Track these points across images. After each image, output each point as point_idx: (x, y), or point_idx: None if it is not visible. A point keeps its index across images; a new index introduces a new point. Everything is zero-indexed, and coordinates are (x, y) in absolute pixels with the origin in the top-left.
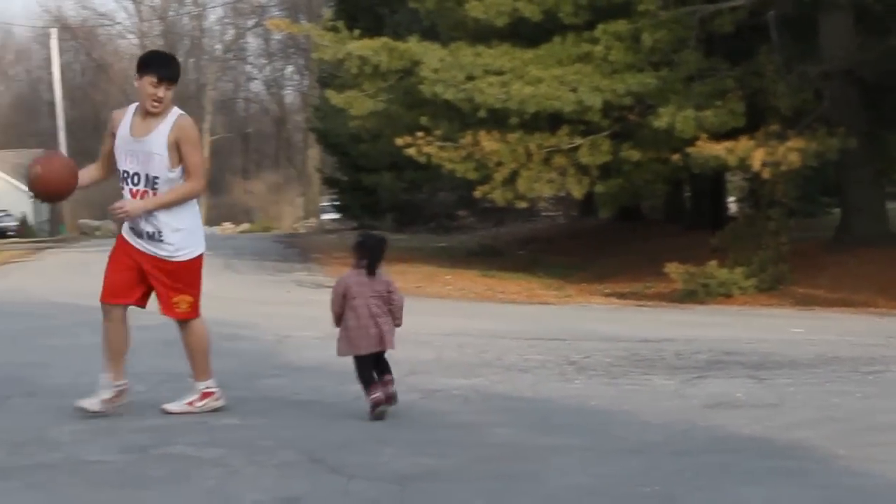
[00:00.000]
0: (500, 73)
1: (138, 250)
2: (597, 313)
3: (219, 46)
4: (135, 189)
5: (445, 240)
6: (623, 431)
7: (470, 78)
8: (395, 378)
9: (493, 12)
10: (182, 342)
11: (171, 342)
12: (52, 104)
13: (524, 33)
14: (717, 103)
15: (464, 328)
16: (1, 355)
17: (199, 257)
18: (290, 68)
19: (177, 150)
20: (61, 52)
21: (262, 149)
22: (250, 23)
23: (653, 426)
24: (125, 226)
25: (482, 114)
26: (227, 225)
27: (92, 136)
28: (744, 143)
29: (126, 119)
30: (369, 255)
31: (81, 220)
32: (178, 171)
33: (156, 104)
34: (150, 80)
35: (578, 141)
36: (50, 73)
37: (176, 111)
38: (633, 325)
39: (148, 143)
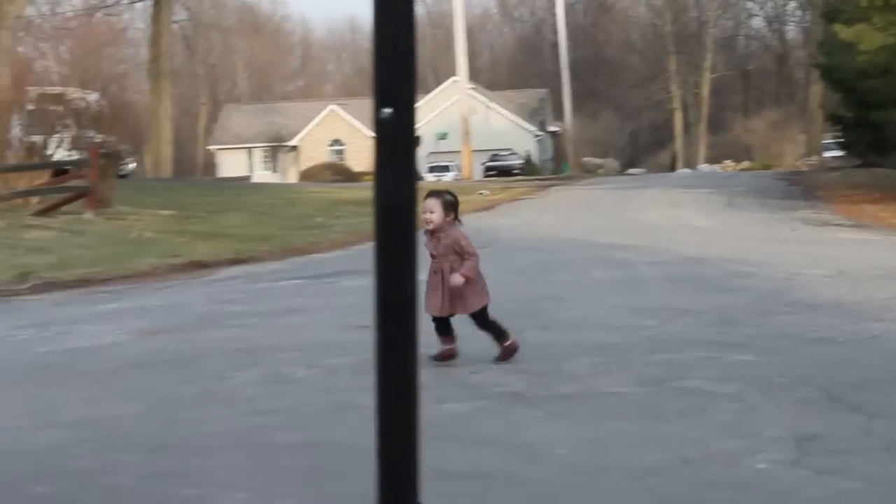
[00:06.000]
0: None
1: None
2: None
3: None
4: None
5: None
6: None
7: None
8: None
9: None
10: None
11: (677, 278)
12: (555, 45)
13: None
14: None
15: None
16: (516, 289)
17: None
18: (792, 3)
19: None
20: None
21: (763, 86)
22: None
23: None
24: None
25: None
26: (728, 163)
27: (593, 75)
28: None
29: None
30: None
31: (584, 158)
32: None
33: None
34: None
35: None
36: (553, 15)
37: None
38: None
39: None
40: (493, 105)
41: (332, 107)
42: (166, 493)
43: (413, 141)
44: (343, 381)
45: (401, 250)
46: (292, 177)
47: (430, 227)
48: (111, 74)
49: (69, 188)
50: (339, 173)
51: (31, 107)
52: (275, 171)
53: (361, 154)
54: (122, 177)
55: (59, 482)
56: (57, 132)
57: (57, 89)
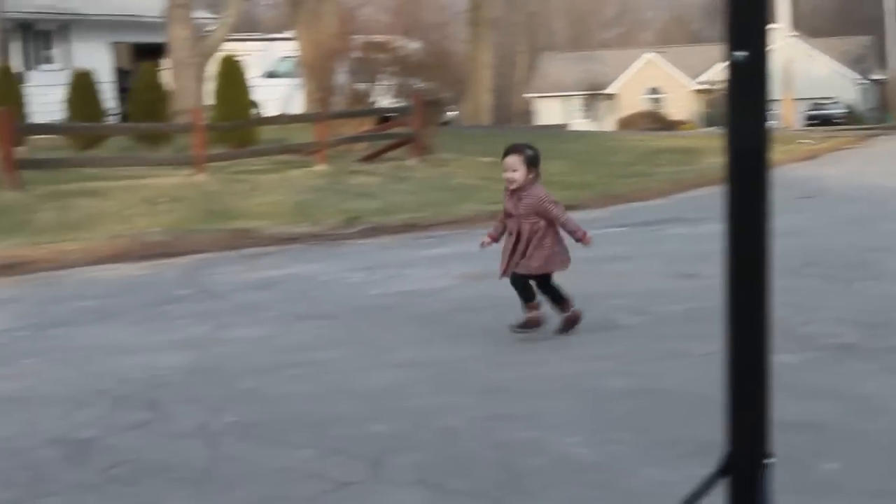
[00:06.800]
0: None
1: None
2: None
3: None
4: None
5: None
6: None
7: None
8: None
9: None
10: None
11: None
12: None
13: None
14: None
15: None
16: (845, 239)
17: None
18: None
19: None
20: None
21: None
22: None
23: None
24: None
25: None
26: None
27: None
28: None
29: None
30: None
31: None
32: None
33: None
34: None
35: None
36: None
37: None
38: None
39: None
40: (814, 53)
41: (649, 55)
42: (500, 436)
43: (766, 84)
44: (672, 329)
45: (754, 194)
46: (609, 125)
47: (514, 186)
48: (432, 23)
49: (393, 135)
50: (656, 122)
51: (356, 55)
52: (592, 119)
53: (679, 103)
54: (443, 124)
55: (396, 421)
56: (381, 80)
57: (380, 38)
